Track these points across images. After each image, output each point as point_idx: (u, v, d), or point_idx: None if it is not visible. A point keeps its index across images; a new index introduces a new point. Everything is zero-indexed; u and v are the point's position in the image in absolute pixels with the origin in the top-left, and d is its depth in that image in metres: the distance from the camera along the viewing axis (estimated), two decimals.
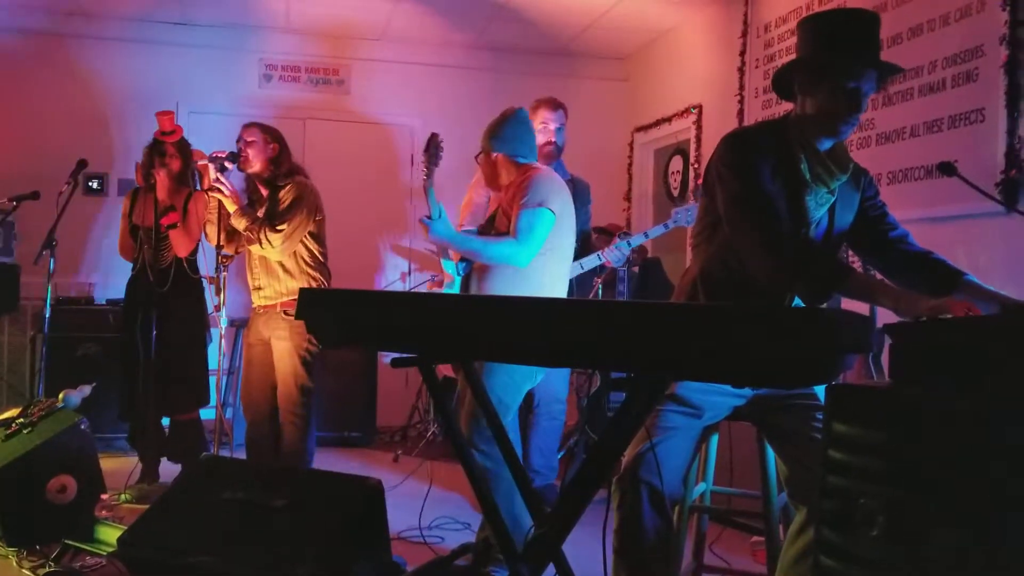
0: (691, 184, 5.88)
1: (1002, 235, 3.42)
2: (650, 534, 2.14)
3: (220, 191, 3.81)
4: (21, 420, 3.53)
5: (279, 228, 3.82)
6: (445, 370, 4.53)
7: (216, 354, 4.14)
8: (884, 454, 1.51)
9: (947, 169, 2.56)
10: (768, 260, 2.10)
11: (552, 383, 4.21)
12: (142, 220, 4.27)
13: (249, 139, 3.94)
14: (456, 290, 3.24)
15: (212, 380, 4.40)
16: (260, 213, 3.90)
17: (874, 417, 1.55)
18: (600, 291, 4.48)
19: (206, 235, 4.17)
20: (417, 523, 3.90)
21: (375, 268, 6.55)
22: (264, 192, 3.97)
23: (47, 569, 3.04)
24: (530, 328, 1.60)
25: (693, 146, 5.87)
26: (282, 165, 3.96)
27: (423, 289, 6.08)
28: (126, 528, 2.79)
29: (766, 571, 2.45)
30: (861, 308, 2.67)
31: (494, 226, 3.24)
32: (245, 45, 6.43)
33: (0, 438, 3.47)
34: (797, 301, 2.22)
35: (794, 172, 2.20)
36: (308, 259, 3.96)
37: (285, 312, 3.87)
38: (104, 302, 5.56)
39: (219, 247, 3.92)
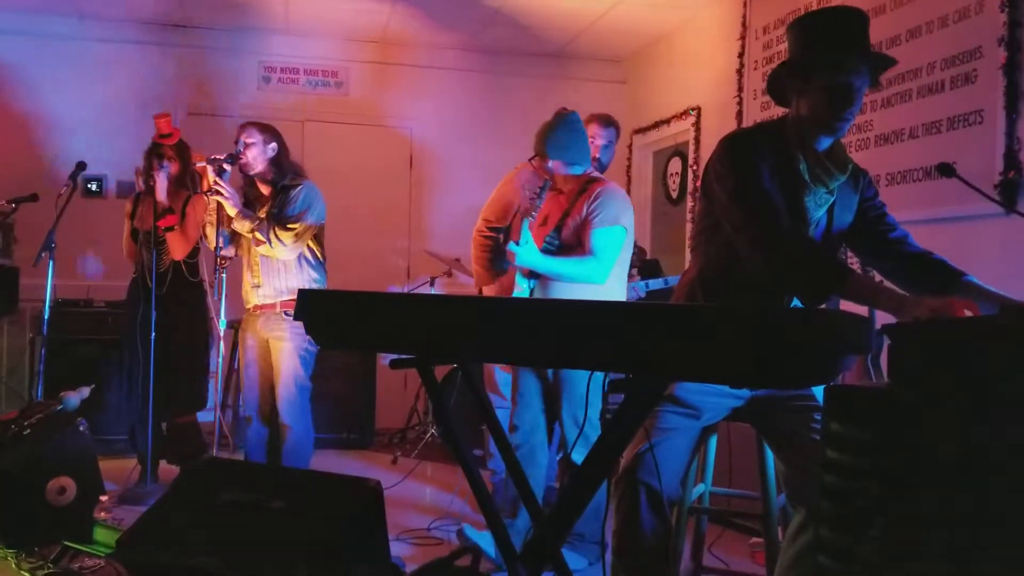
0: (690, 186, 5.89)
1: (1001, 236, 3.42)
2: (649, 535, 2.14)
3: (220, 194, 3.80)
4: (20, 422, 3.53)
5: (290, 227, 3.79)
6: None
7: (215, 356, 4.14)
8: (882, 455, 1.51)
9: (946, 170, 2.56)
10: (768, 259, 2.11)
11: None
12: (142, 223, 4.28)
13: (248, 140, 3.91)
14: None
15: (210, 383, 4.41)
16: (261, 213, 3.89)
17: (873, 418, 1.55)
18: None
19: (205, 238, 4.16)
20: (416, 524, 3.90)
21: (374, 270, 6.54)
22: (265, 191, 3.96)
23: (46, 571, 3.04)
24: (528, 329, 1.60)
25: (692, 148, 5.87)
26: (285, 164, 3.95)
27: (423, 291, 6.08)
28: (125, 530, 2.79)
29: (765, 572, 2.45)
30: (860, 308, 2.68)
31: (561, 237, 3.33)
32: (244, 47, 6.43)
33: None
34: (796, 302, 2.22)
35: (793, 173, 2.21)
36: (311, 259, 3.96)
37: (285, 312, 3.86)
38: (103, 304, 5.55)
39: (217, 249, 3.91)
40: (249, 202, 3.97)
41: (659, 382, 1.58)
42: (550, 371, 3.44)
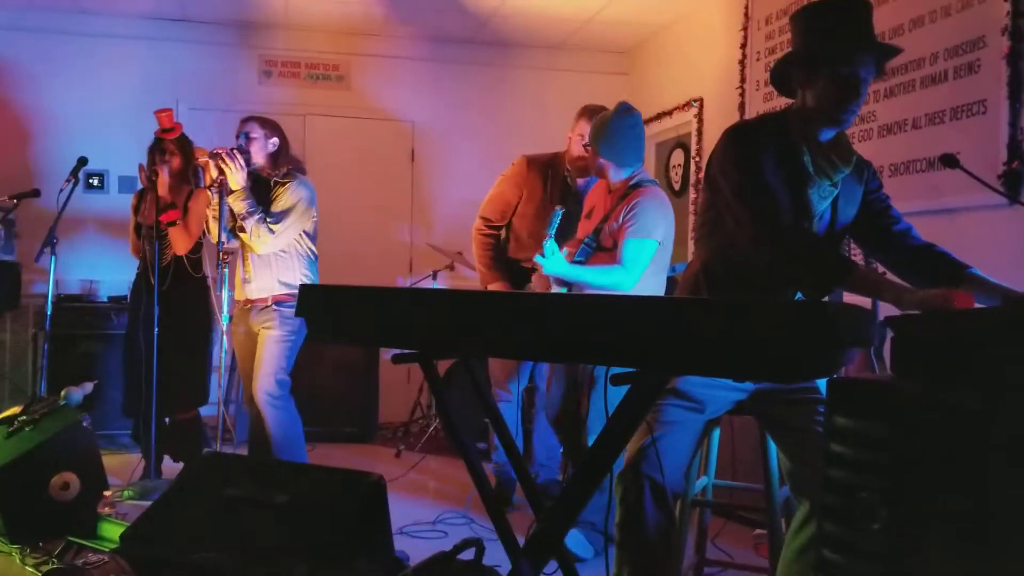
0: (692, 178, 5.88)
1: (1005, 227, 3.41)
2: (652, 528, 2.14)
3: (225, 162, 3.77)
4: (23, 418, 3.54)
5: (272, 228, 3.82)
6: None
7: (218, 351, 4.14)
8: (886, 447, 1.50)
9: (949, 161, 2.55)
10: (770, 252, 2.10)
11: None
12: (144, 218, 4.28)
13: (251, 135, 3.93)
14: None
15: (213, 378, 4.41)
16: None
17: (876, 410, 1.55)
18: None
19: (208, 232, 4.16)
20: (419, 518, 3.91)
21: (376, 264, 6.54)
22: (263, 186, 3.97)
23: (50, 566, 3.04)
24: (531, 323, 1.59)
25: (694, 139, 5.85)
26: (281, 161, 3.95)
27: (426, 285, 6.07)
28: (129, 525, 2.80)
29: (768, 565, 2.45)
30: (863, 301, 2.67)
31: (598, 240, 3.38)
32: (244, 41, 6.42)
33: (3, 436, 3.48)
34: (799, 295, 2.21)
35: (797, 165, 2.20)
36: (303, 254, 3.97)
37: (276, 304, 3.87)
38: (106, 299, 5.56)
39: (220, 244, 3.91)
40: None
41: (662, 375, 1.58)
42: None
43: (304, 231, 3.96)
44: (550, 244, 3.20)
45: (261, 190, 3.93)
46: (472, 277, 5.07)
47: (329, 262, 4.18)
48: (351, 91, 6.65)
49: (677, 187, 6.26)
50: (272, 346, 3.87)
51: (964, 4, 3.63)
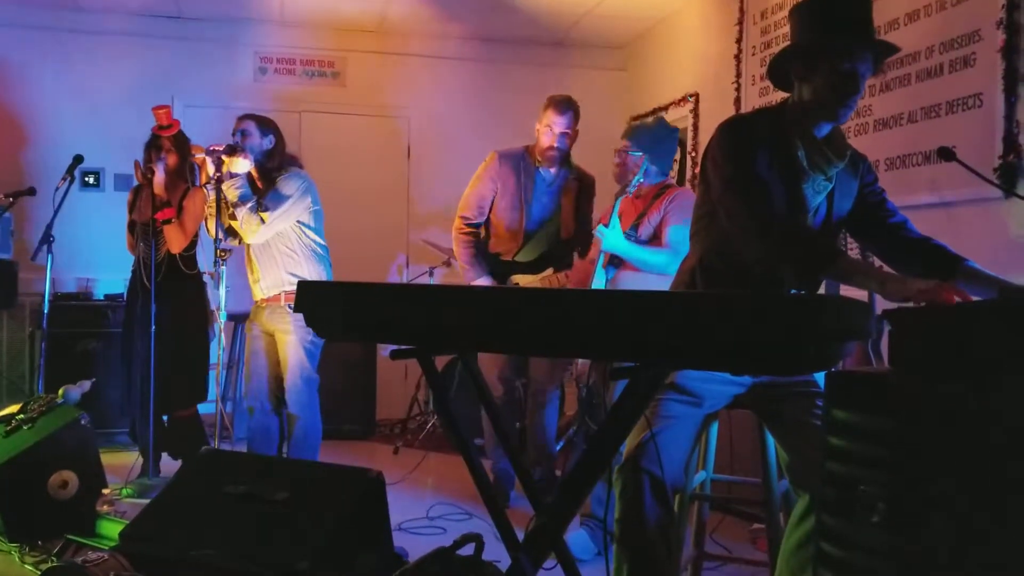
0: (689, 172, 5.88)
1: (1001, 219, 3.42)
2: (652, 523, 2.14)
3: (233, 153, 3.79)
4: (21, 416, 3.53)
5: (263, 217, 3.83)
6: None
7: (216, 348, 4.14)
8: (884, 441, 1.51)
9: (945, 154, 2.56)
10: (758, 242, 2.11)
11: (537, 371, 4.23)
12: (140, 215, 4.27)
13: (247, 132, 3.93)
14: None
15: (212, 375, 4.40)
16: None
17: (874, 404, 1.56)
18: None
19: (207, 229, 4.16)
20: (418, 514, 3.91)
21: (372, 260, 6.53)
22: (258, 183, 3.97)
23: (49, 564, 3.04)
24: (529, 318, 1.59)
25: (690, 134, 5.85)
26: (274, 159, 3.95)
27: (422, 281, 6.07)
28: (128, 522, 2.79)
29: (767, 558, 2.45)
30: (860, 295, 2.68)
31: (637, 234, 3.54)
32: (239, 38, 6.40)
33: (1, 435, 3.48)
34: (794, 289, 2.22)
35: (791, 160, 2.20)
36: (309, 249, 3.97)
37: (289, 305, 3.87)
38: (103, 297, 5.56)
39: (217, 241, 3.91)
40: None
41: (661, 370, 1.58)
42: None
43: (302, 223, 3.94)
44: (614, 219, 3.42)
45: (254, 186, 3.93)
46: None
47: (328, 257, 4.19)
48: (347, 87, 6.64)
49: (673, 182, 6.25)
50: (293, 351, 3.89)
51: None
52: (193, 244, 4.31)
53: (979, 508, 1.41)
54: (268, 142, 3.95)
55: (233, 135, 3.95)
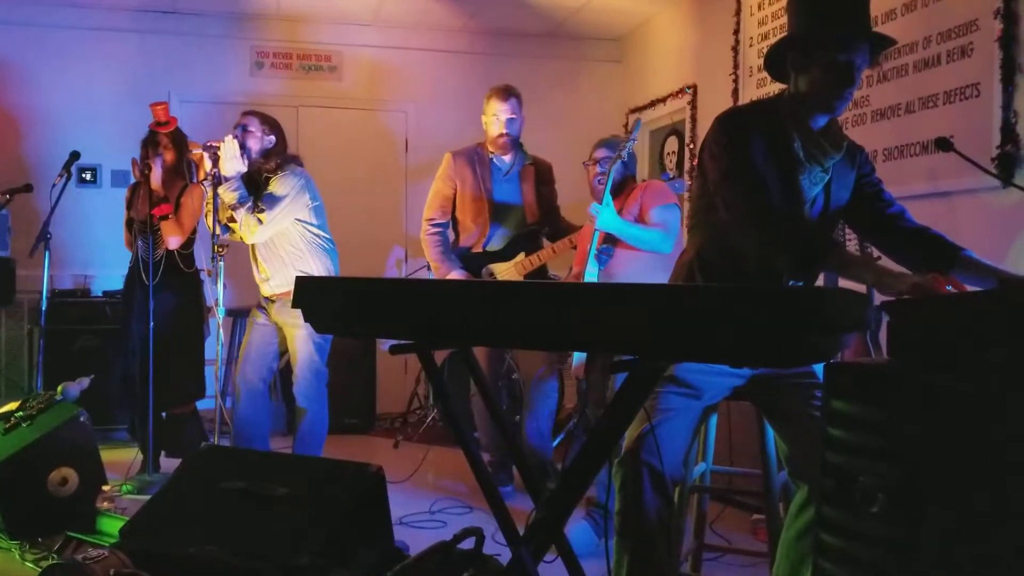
0: (687, 165, 5.87)
1: (998, 209, 3.42)
2: (651, 515, 2.14)
3: (219, 152, 3.77)
4: (20, 414, 3.53)
5: (260, 218, 3.83)
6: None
7: (214, 345, 4.14)
8: (883, 431, 1.51)
9: (943, 145, 2.55)
10: (755, 232, 2.11)
11: (527, 364, 4.23)
12: (137, 212, 4.26)
13: (248, 128, 3.93)
14: (595, 278, 3.58)
15: (210, 371, 4.40)
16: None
17: (873, 395, 1.56)
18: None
19: (206, 225, 4.15)
20: (419, 508, 3.91)
21: (370, 255, 6.53)
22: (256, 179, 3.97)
23: (50, 561, 3.04)
24: (528, 312, 1.59)
25: (688, 126, 5.85)
26: (272, 158, 3.94)
27: (421, 276, 6.07)
28: (128, 519, 2.79)
29: (767, 549, 2.46)
30: (859, 287, 2.68)
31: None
32: (236, 33, 6.39)
33: (0, 432, 3.47)
34: (792, 281, 2.22)
35: (788, 152, 2.20)
36: (314, 244, 3.97)
37: None
38: (101, 294, 5.55)
39: (215, 238, 3.90)
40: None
41: (659, 363, 1.58)
42: None
43: (302, 219, 3.93)
44: (607, 198, 3.48)
45: (252, 184, 3.92)
46: None
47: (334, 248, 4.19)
48: (344, 81, 6.63)
49: (671, 175, 6.25)
50: (303, 345, 3.92)
51: None
52: (191, 241, 4.30)
53: (978, 498, 1.41)
54: (269, 141, 3.94)
55: (235, 129, 3.93)
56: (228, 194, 3.80)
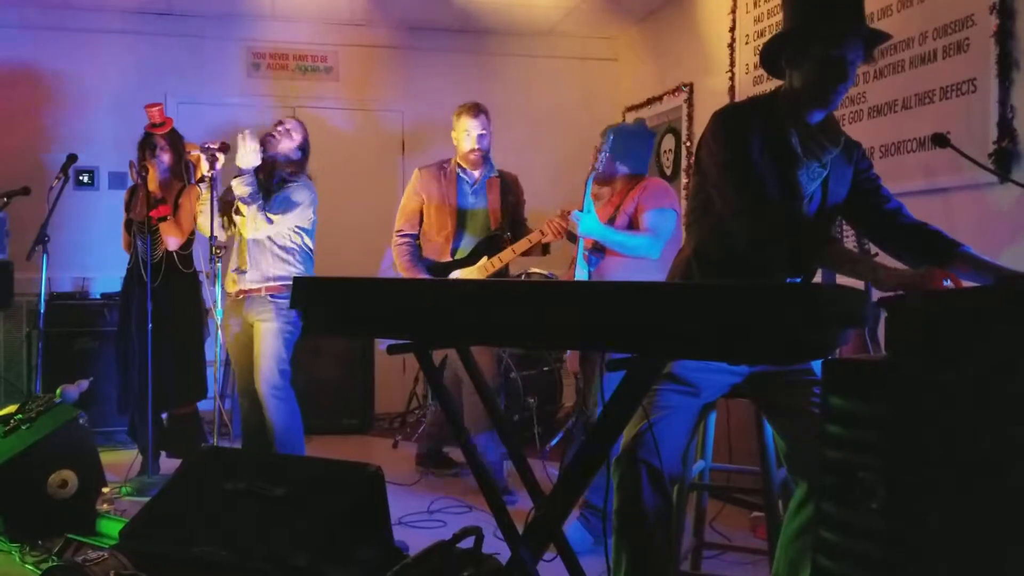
0: (683, 163, 5.87)
1: (996, 205, 3.42)
2: (650, 513, 2.14)
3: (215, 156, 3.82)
4: (20, 416, 3.53)
5: (271, 217, 3.86)
6: None
7: (213, 346, 4.14)
8: (882, 427, 1.51)
9: (940, 140, 2.55)
10: (751, 225, 2.12)
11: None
12: (136, 214, 4.26)
13: (288, 128, 4.02)
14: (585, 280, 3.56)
15: (209, 372, 4.40)
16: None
17: (872, 391, 1.56)
18: None
19: (199, 226, 4.16)
20: (418, 508, 3.91)
21: (367, 255, 6.52)
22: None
23: (50, 563, 3.04)
24: (525, 311, 1.59)
25: (685, 124, 5.85)
26: (292, 165, 4.00)
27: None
28: (128, 521, 2.80)
29: (767, 546, 2.46)
30: (857, 283, 2.68)
31: (613, 224, 3.56)
32: (231, 34, 6.38)
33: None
34: (790, 278, 2.22)
35: (785, 147, 2.20)
36: (303, 251, 4.01)
37: (271, 296, 3.90)
38: (99, 296, 5.55)
39: (212, 238, 3.90)
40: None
41: (657, 360, 1.58)
42: None
43: (301, 227, 3.99)
44: (588, 204, 3.46)
45: (263, 183, 3.95)
46: None
47: (320, 254, 4.21)
48: (340, 82, 6.62)
49: (668, 172, 6.26)
50: (272, 339, 3.90)
51: None
52: (190, 242, 4.31)
53: (977, 493, 1.41)
54: (296, 153, 4.02)
55: (276, 126, 4.02)
56: (241, 187, 3.84)
